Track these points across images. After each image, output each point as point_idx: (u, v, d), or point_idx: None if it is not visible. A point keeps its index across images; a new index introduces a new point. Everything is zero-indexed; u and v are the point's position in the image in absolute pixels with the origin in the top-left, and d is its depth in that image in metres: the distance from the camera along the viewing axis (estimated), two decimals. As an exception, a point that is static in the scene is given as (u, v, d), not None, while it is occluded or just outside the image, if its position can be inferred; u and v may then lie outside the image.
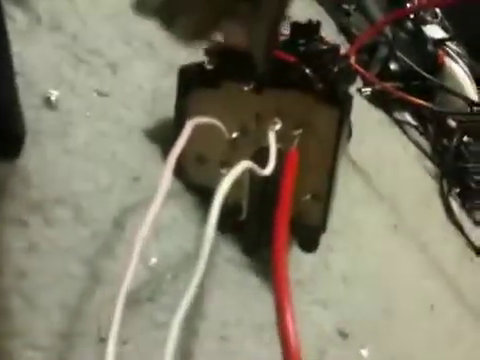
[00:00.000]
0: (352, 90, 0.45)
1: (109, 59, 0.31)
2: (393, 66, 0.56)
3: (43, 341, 0.21)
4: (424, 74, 0.56)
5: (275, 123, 0.28)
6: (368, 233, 0.40)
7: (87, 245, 0.24)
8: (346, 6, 0.61)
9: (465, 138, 0.59)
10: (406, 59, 0.56)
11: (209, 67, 0.28)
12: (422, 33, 0.61)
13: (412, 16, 0.61)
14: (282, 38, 0.30)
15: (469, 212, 0.57)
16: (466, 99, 0.58)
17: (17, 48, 0.25)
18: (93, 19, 0.32)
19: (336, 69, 0.30)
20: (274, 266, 0.22)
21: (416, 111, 0.59)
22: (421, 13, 0.62)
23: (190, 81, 0.29)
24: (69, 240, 0.24)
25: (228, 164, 0.29)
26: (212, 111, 0.27)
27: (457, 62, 0.61)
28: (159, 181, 0.21)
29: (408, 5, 0.61)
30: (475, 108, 0.58)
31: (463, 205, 0.57)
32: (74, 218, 0.25)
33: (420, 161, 0.56)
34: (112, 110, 0.29)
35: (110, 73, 0.31)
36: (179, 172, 0.27)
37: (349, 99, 0.29)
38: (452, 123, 0.59)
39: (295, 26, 0.31)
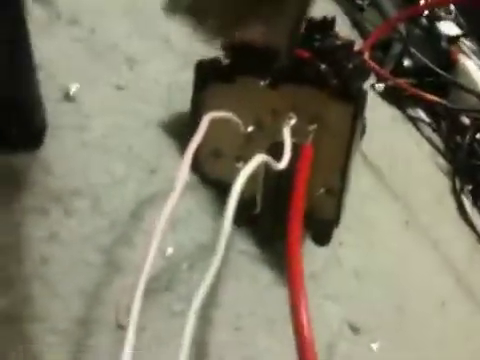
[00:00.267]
0: (366, 86, 0.45)
1: (126, 53, 0.32)
2: (407, 62, 0.56)
3: (62, 326, 0.22)
4: (438, 70, 0.56)
5: (290, 118, 0.28)
6: (380, 229, 0.40)
7: (105, 235, 0.25)
8: (360, 1, 0.61)
9: (478, 135, 0.59)
10: (420, 55, 0.56)
11: (225, 62, 0.29)
12: (436, 29, 0.60)
13: (426, 12, 0.61)
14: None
15: (481, 210, 0.56)
16: (480, 96, 0.57)
17: (37, 42, 0.26)
18: (110, 13, 0.33)
19: (351, 65, 0.30)
20: (288, 259, 0.22)
21: (429, 108, 0.59)
22: (435, 9, 0.62)
23: (206, 76, 0.29)
24: (88, 229, 0.24)
25: (243, 158, 0.29)
26: (228, 105, 0.27)
27: (471, 59, 0.61)
28: (177, 174, 0.22)
29: (422, 1, 0.60)
30: (489, 105, 0.58)
31: (475, 203, 0.57)
32: (92, 208, 0.25)
33: (433, 158, 0.56)
34: (129, 104, 0.30)
35: (127, 67, 0.31)
36: (194, 166, 0.28)
37: (363, 95, 0.29)
38: (466, 120, 0.59)
39: (310, 22, 0.31)
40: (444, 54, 0.59)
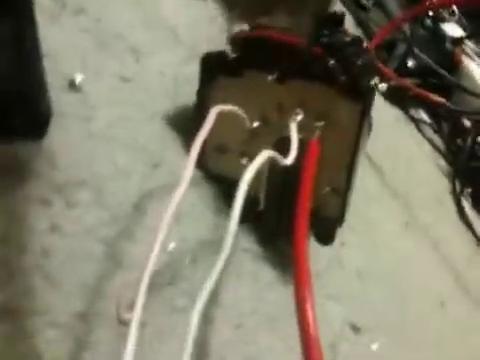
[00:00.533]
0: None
1: (132, 44, 0.31)
2: (410, 63, 0.56)
3: (63, 320, 0.21)
4: (441, 72, 0.56)
5: (297, 114, 0.28)
6: (382, 230, 0.40)
7: (107, 227, 0.24)
8: (364, 1, 0.61)
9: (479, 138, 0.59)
10: (424, 56, 0.56)
11: (232, 55, 0.28)
12: (440, 30, 0.60)
13: (431, 13, 0.60)
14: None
15: (480, 212, 0.56)
16: (482, 99, 0.57)
17: (42, 31, 0.25)
18: (116, 3, 0.32)
19: (360, 62, 0.30)
20: (295, 256, 0.22)
21: (431, 109, 0.59)
22: (439, 10, 0.61)
23: (212, 69, 0.29)
24: (90, 222, 0.24)
25: (247, 154, 0.29)
26: (234, 100, 0.27)
27: (474, 61, 0.60)
28: (182, 168, 0.21)
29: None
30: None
31: (475, 205, 0.57)
32: (95, 200, 0.25)
33: (434, 159, 0.56)
34: (134, 95, 0.29)
35: (133, 58, 0.31)
36: (198, 160, 0.27)
37: (371, 92, 0.29)
38: (467, 123, 0.59)
39: (319, 17, 0.31)
40: (448, 55, 0.58)
